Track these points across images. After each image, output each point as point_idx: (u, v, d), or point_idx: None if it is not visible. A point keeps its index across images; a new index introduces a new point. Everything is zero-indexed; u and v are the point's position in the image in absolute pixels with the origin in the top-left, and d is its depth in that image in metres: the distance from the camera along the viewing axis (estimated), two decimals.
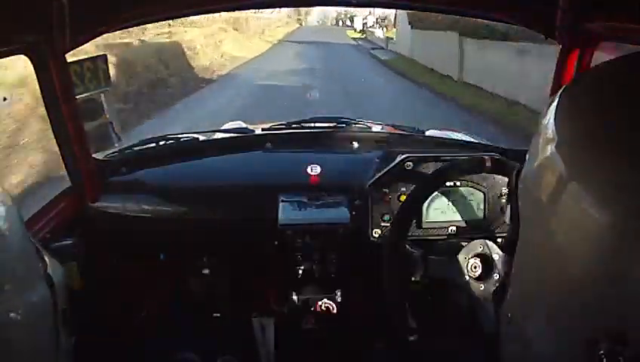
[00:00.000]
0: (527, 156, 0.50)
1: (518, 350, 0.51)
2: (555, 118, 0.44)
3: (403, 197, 1.40)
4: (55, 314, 0.65)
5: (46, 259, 0.69)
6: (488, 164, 1.04)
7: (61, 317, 0.66)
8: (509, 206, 1.39)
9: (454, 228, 1.41)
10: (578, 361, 0.40)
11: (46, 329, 0.63)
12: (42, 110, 1.34)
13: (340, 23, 58.17)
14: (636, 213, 0.36)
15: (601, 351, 0.37)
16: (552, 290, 0.43)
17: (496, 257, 1.11)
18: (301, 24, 58.03)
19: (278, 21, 40.50)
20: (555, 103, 0.46)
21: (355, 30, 42.23)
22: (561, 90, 0.47)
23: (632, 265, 0.35)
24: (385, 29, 32.16)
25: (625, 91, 0.41)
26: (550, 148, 0.43)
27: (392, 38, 23.93)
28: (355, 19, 46.39)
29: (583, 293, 0.39)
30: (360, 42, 30.48)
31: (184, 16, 1.54)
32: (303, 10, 55.08)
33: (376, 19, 40.17)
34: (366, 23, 40.94)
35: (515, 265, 0.53)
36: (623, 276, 0.36)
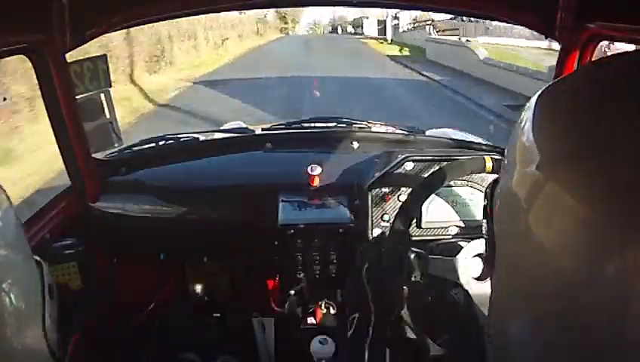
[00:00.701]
0: (502, 160, 0.50)
1: (503, 353, 0.51)
2: (532, 125, 0.44)
3: (403, 197, 1.40)
4: (42, 287, 0.68)
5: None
6: (489, 164, 1.04)
7: (47, 291, 0.69)
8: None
9: (454, 228, 1.40)
10: None
11: (32, 301, 0.65)
12: None
13: (339, 29, 47.56)
14: (611, 209, 0.36)
15: (582, 356, 0.37)
16: (533, 295, 0.43)
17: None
18: (287, 33, 46.66)
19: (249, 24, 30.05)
20: (532, 108, 0.46)
21: (387, 40, 25.66)
22: (537, 94, 0.47)
23: (604, 264, 0.35)
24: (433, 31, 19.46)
25: (601, 93, 0.42)
26: (527, 156, 0.43)
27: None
28: (365, 22, 34.99)
29: (564, 297, 0.39)
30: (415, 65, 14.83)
31: (184, 16, 1.54)
32: (289, 15, 47.41)
33: (414, 19, 24.76)
34: (384, 27, 28.30)
35: (496, 268, 0.53)
36: (598, 273, 0.36)
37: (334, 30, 49.83)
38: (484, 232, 1.19)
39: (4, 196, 0.61)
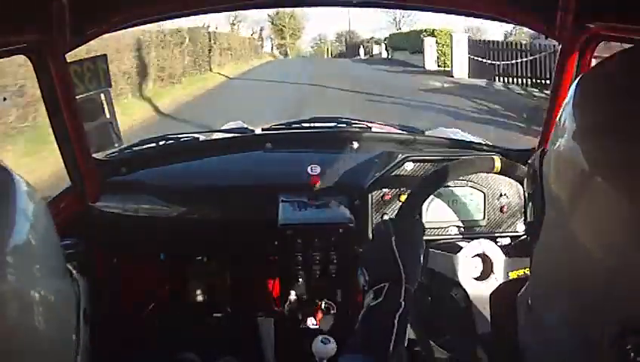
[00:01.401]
0: (545, 152, 0.50)
1: (537, 339, 0.50)
2: (571, 112, 0.44)
3: (403, 197, 1.40)
4: (78, 306, 0.60)
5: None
6: (497, 163, 1.04)
7: (82, 313, 0.61)
8: (510, 206, 1.39)
9: (454, 228, 1.40)
10: (603, 354, 0.39)
11: (68, 320, 0.58)
12: None
13: (362, 51, 31.10)
14: None
15: (629, 346, 0.37)
16: (576, 281, 0.43)
17: (495, 257, 1.11)
18: (285, 53, 37.92)
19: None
20: (571, 95, 0.45)
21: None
22: (577, 81, 0.46)
23: None
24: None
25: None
26: (569, 141, 0.43)
27: None
28: (427, 46, 16.67)
29: (608, 285, 0.38)
30: None
31: (184, 16, 1.54)
32: (288, 28, 38.80)
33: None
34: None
35: (536, 256, 0.52)
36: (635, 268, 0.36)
37: (351, 50, 33.43)
38: (501, 220, 1.16)
39: (40, 202, 0.55)
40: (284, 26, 40.29)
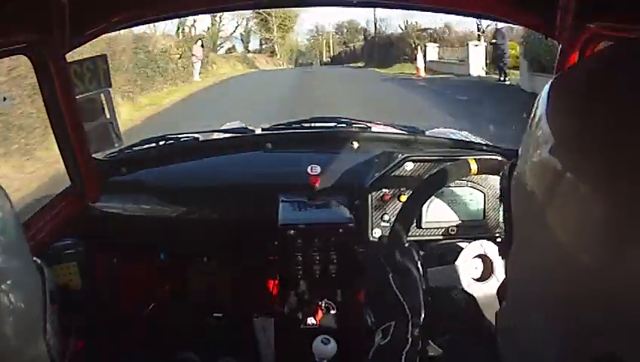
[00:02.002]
0: (518, 153, 0.50)
1: (515, 349, 0.50)
2: (545, 113, 0.44)
3: (403, 198, 1.40)
4: (44, 292, 0.67)
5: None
6: (473, 166, 1.04)
7: (49, 297, 0.69)
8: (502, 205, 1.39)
9: (454, 228, 1.40)
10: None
11: (33, 306, 0.64)
12: None
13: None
14: (630, 202, 0.35)
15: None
16: (551, 289, 0.43)
17: (496, 258, 1.11)
18: (272, 51, 30.76)
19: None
20: (544, 98, 0.46)
21: None
22: (549, 85, 0.46)
23: (625, 255, 0.35)
24: None
25: (613, 81, 0.41)
26: (542, 144, 0.43)
27: None
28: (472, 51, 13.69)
29: (583, 288, 0.39)
30: None
31: (184, 16, 1.54)
32: (277, 17, 28.90)
33: None
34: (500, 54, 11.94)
35: (511, 263, 0.52)
36: (617, 267, 0.36)
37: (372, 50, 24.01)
38: (495, 225, 1.17)
39: (4, 198, 0.60)
40: (268, 15, 28.51)
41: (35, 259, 0.69)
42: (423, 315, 0.92)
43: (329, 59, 34.80)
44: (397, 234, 1.07)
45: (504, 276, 1.04)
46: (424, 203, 1.16)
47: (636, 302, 0.34)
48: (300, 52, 35.94)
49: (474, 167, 1.03)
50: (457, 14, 1.52)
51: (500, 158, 1.07)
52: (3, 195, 0.60)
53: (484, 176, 1.38)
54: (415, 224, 1.38)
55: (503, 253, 0.56)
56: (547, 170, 0.41)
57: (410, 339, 0.86)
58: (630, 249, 0.35)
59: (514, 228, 0.50)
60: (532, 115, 0.46)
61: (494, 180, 1.39)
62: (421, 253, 1.13)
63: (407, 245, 1.08)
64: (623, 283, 0.35)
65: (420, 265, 1.03)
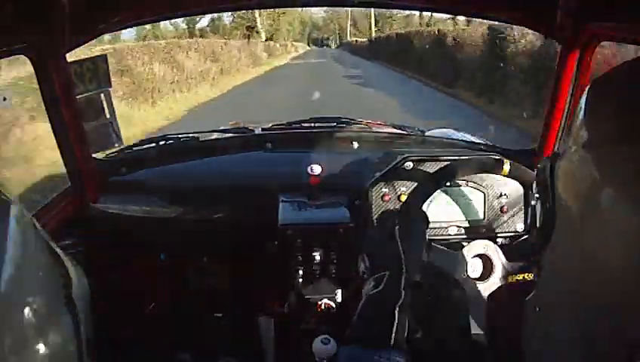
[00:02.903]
0: (557, 157, 0.50)
1: (542, 347, 0.50)
2: (584, 118, 0.44)
3: (403, 197, 1.40)
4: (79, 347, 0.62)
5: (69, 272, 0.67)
6: (506, 167, 1.05)
7: (85, 350, 0.63)
8: (510, 206, 1.39)
9: (454, 228, 1.40)
10: None
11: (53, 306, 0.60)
12: None
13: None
14: None
15: None
16: (587, 293, 0.42)
17: (495, 257, 1.11)
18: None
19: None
20: (583, 103, 0.45)
21: None
22: (587, 89, 0.46)
23: None
24: None
25: None
26: (581, 150, 0.43)
27: None
28: None
29: (620, 301, 0.38)
30: None
31: (184, 16, 1.54)
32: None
33: None
34: None
35: (545, 264, 0.52)
36: None
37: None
38: (505, 219, 1.16)
39: (18, 203, 0.58)
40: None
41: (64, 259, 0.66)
42: (418, 273, 0.92)
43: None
44: (417, 196, 1.08)
45: (502, 277, 1.04)
46: (433, 192, 1.17)
47: None
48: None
49: (507, 167, 1.05)
50: (457, 14, 1.53)
51: (526, 168, 1.10)
52: (20, 207, 0.57)
53: (484, 176, 1.38)
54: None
55: (538, 246, 0.55)
56: (586, 176, 0.41)
57: (402, 293, 0.85)
58: None
59: (557, 222, 0.49)
60: (574, 116, 0.46)
61: (494, 180, 1.39)
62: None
63: (418, 209, 1.08)
64: None
65: (426, 231, 1.03)
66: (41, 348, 0.53)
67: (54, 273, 0.62)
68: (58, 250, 0.64)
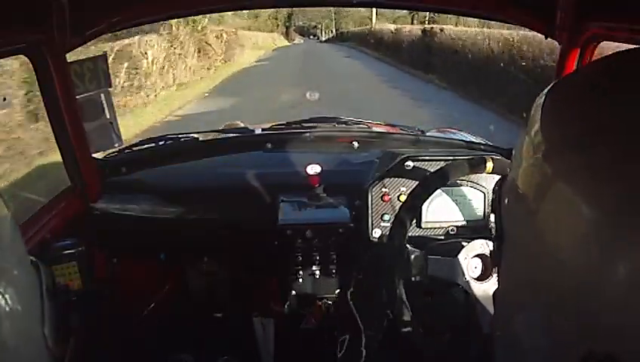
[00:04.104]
0: (512, 156, 0.50)
1: (509, 351, 0.51)
2: (540, 118, 0.44)
3: (403, 197, 1.40)
4: (40, 288, 0.67)
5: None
6: (489, 164, 1.05)
7: (46, 295, 0.68)
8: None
9: (454, 228, 1.40)
10: None
11: (29, 303, 0.65)
12: None
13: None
14: (621, 206, 0.36)
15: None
16: (542, 290, 0.43)
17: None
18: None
19: None
20: (540, 104, 0.46)
21: None
22: (546, 91, 0.47)
23: (616, 259, 0.35)
24: None
25: (609, 90, 0.42)
26: (536, 149, 0.43)
27: None
28: None
29: (574, 293, 0.39)
30: None
31: (184, 16, 1.54)
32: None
33: None
34: None
35: (503, 263, 0.53)
36: (608, 271, 0.36)
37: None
38: (492, 226, 1.17)
39: None
40: None
41: (31, 258, 0.68)
42: (382, 328, 0.94)
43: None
44: (404, 215, 1.08)
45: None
46: (430, 195, 1.17)
47: (624, 303, 0.35)
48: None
49: (489, 165, 1.04)
50: (457, 14, 1.53)
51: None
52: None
53: (484, 175, 1.38)
54: (415, 224, 1.38)
55: (494, 255, 0.57)
56: (540, 175, 0.42)
57: (364, 352, 0.86)
58: (619, 252, 0.35)
59: (504, 229, 0.51)
60: (529, 120, 0.46)
61: (494, 180, 1.39)
62: (418, 252, 1.13)
63: (403, 245, 1.09)
64: (611, 285, 0.35)
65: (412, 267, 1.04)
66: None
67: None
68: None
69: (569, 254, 0.38)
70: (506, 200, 0.51)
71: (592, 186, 0.37)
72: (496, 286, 1.03)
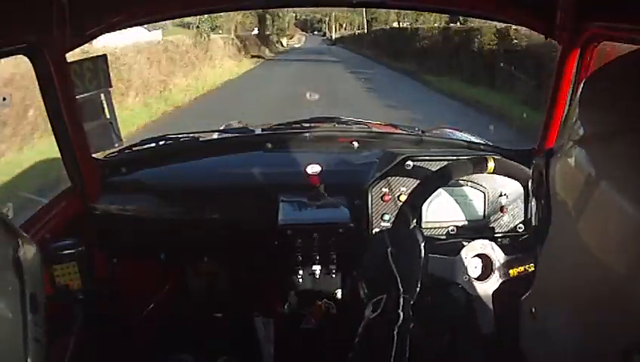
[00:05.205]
0: (552, 154, 0.49)
1: (540, 346, 0.50)
2: (578, 114, 0.44)
3: (403, 197, 1.40)
4: (23, 300, 0.65)
5: (19, 241, 0.67)
6: (491, 163, 1.05)
7: (29, 303, 0.66)
8: (510, 205, 1.39)
9: (454, 227, 1.40)
10: None
11: (13, 320, 0.63)
12: None
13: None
14: None
15: None
16: (582, 291, 0.42)
17: (496, 257, 1.11)
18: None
19: None
20: (577, 99, 0.45)
21: None
22: (582, 85, 0.46)
23: None
24: None
25: None
26: (576, 145, 0.43)
27: None
28: None
29: (616, 298, 0.38)
30: None
31: (184, 16, 1.55)
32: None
33: None
34: None
35: (542, 261, 0.52)
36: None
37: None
38: (492, 226, 1.15)
39: None
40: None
41: (17, 264, 0.66)
42: (416, 292, 0.93)
43: None
44: (404, 215, 1.08)
45: (502, 276, 1.04)
46: (432, 192, 1.17)
47: None
48: None
49: (491, 164, 1.04)
50: (457, 14, 1.53)
51: (515, 164, 1.09)
52: None
53: (485, 175, 1.38)
54: (415, 223, 1.38)
55: (534, 242, 0.54)
56: (582, 172, 0.41)
57: (401, 315, 0.85)
58: None
59: (552, 219, 0.49)
60: (566, 111, 0.46)
61: (494, 180, 1.39)
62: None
63: (412, 227, 1.08)
64: None
65: (422, 248, 1.03)
66: None
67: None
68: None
69: (613, 257, 0.37)
70: (553, 190, 0.49)
71: (633, 186, 0.36)
72: (497, 286, 1.03)
